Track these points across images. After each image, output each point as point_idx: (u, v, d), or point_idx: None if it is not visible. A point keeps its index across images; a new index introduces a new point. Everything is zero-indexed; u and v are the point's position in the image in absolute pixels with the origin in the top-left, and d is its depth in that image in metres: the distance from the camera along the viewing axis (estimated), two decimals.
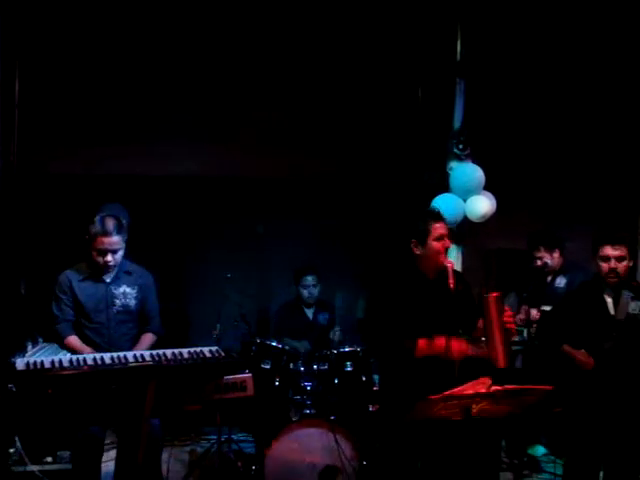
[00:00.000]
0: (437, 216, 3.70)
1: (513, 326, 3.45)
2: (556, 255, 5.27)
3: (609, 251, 3.88)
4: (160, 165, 6.25)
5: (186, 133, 6.23)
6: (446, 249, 3.64)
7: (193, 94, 6.19)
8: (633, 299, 3.89)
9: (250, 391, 3.59)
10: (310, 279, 5.56)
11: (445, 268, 3.50)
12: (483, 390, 2.80)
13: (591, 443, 3.94)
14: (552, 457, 5.24)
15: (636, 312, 3.86)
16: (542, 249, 5.23)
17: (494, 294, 3.40)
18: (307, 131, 6.43)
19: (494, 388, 2.82)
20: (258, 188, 6.48)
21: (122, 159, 6.10)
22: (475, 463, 4.31)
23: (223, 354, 3.50)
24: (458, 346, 3.51)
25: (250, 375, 3.62)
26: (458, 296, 3.54)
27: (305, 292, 5.59)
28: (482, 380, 2.85)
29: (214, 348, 3.54)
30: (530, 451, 5.42)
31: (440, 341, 3.47)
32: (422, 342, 3.53)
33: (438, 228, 3.62)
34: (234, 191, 6.48)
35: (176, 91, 6.13)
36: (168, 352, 3.47)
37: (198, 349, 3.51)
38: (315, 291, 5.58)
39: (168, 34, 5.85)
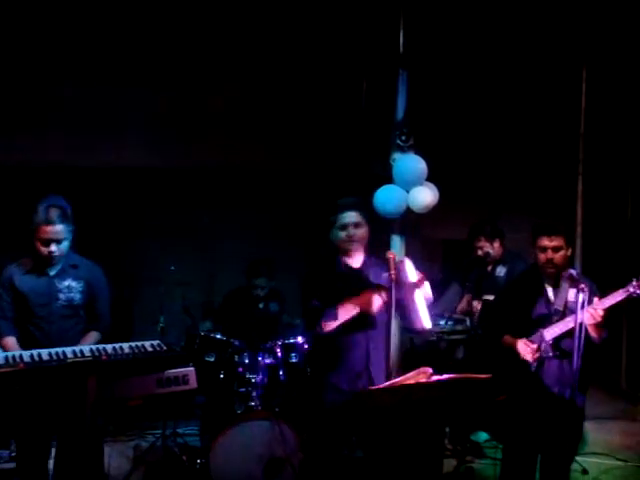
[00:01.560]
0: (342, 207, 3.75)
1: (428, 291, 3.61)
2: (496, 245, 5.36)
3: (546, 242, 3.95)
4: (102, 157, 6.15)
5: (128, 124, 6.13)
6: (350, 238, 3.69)
7: (133, 84, 6.09)
8: (571, 287, 3.95)
9: (193, 384, 3.55)
10: (260, 281, 5.50)
11: (388, 259, 3.53)
12: (424, 380, 2.83)
13: (529, 429, 4.01)
14: (494, 443, 5.34)
15: (573, 300, 3.93)
16: (482, 239, 5.32)
17: (407, 261, 3.59)
18: (254, 122, 6.39)
19: (435, 378, 2.84)
20: (203, 178, 6.42)
21: (62, 150, 5.97)
22: (418, 450, 4.38)
23: (165, 348, 3.46)
24: (371, 295, 3.57)
25: (192, 369, 3.57)
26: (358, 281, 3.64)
27: (255, 292, 5.55)
28: (423, 370, 2.88)
29: (156, 342, 3.49)
30: (473, 437, 5.52)
31: (347, 304, 3.57)
32: (341, 308, 3.60)
33: (341, 218, 3.70)
34: (178, 182, 6.42)
35: (114, 81, 6.01)
36: (108, 347, 3.40)
37: (139, 343, 3.45)
38: (265, 291, 5.54)
39: (100, 19, 5.72)
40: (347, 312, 3.59)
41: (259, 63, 6.20)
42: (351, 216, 3.71)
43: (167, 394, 3.55)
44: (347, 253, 3.77)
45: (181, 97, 6.25)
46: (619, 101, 6.84)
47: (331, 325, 3.60)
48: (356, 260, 3.79)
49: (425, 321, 3.58)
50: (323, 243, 3.81)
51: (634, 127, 6.97)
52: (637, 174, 7.29)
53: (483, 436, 5.57)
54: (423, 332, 3.77)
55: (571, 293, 3.98)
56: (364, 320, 3.65)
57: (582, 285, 3.72)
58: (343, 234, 3.71)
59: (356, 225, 3.71)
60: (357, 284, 3.67)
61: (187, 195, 6.45)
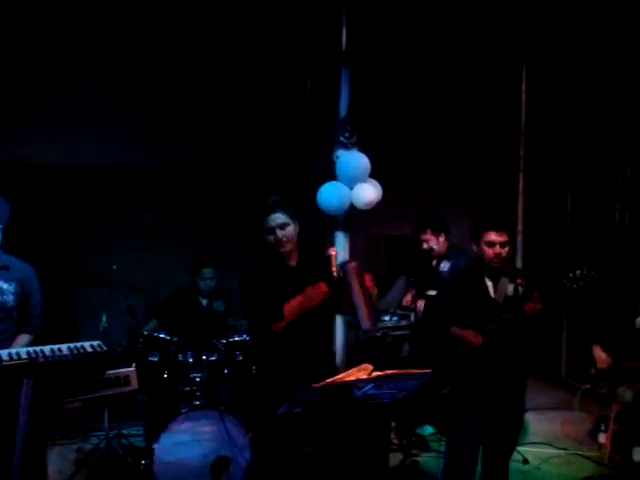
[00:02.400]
0: (268, 208, 3.71)
1: (374, 289, 3.68)
2: (442, 239, 5.40)
3: (494, 237, 4.01)
4: (45, 153, 6.01)
5: (74, 120, 6.02)
6: (278, 241, 3.67)
7: (77, 81, 5.96)
8: (510, 282, 4.04)
9: (134, 385, 3.50)
10: (208, 271, 5.46)
11: (329, 256, 3.56)
12: (365, 376, 2.84)
13: (473, 422, 4.08)
14: (439, 436, 5.42)
15: (512, 294, 4.02)
16: (429, 232, 5.32)
17: (353, 263, 3.64)
18: (199, 120, 6.34)
19: (375, 374, 2.86)
20: (147, 177, 6.35)
21: (2, 146, 5.82)
22: (364, 445, 4.42)
23: (105, 348, 3.39)
24: (314, 290, 3.61)
25: (134, 369, 3.52)
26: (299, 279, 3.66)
27: (202, 283, 5.50)
28: (364, 366, 2.89)
29: (96, 342, 3.42)
30: (419, 431, 5.59)
31: (293, 301, 3.61)
32: (287, 306, 3.62)
33: (267, 221, 3.67)
34: (123, 181, 6.33)
35: (59, 78, 5.89)
36: (46, 348, 3.31)
37: (79, 344, 3.38)
38: (213, 283, 5.50)
39: (53, 10, 5.59)
40: (293, 309, 3.61)
41: (204, 61, 6.15)
42: (276, 218, 3.66)
43: (108, 395, 3.51)
44: (281, 254, 3.75)
45: (130, 95, 6.16)
46: (558, 99, 7.01)
47: (279, 324, 3.62)
48: (291, 258, 3.78)
49: (364, 322, 3.60)
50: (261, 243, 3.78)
51: (573, 124, 7.15)
52: (576, 171, 7.48)
53: (429, 429, 5.65)
54: (366, 330, 3.78)
55: (510, 288, 4.07)
56: (309, 317, 3.66)
57: (519, 280, 3.82)
58: (271, 237, 3.67)
59: (282, 226, 3.66)
60: (295, 282, 3.67)
61: (131, 194, 6.37)
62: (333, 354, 4.34)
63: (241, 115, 6.35)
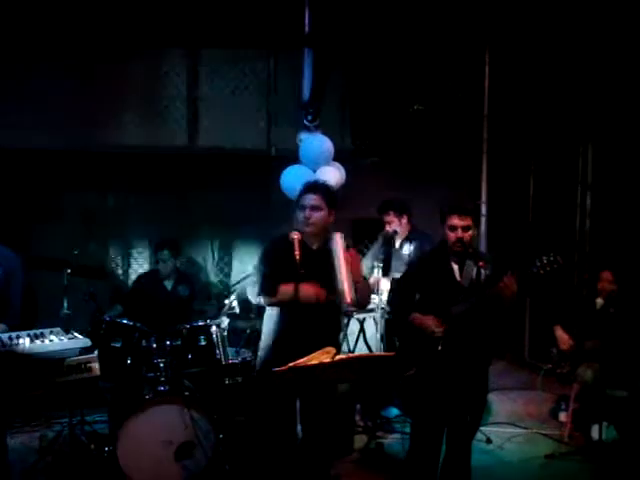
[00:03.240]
0: (305, 187, 3.94)
1: (357, 264, 3.83)
2: (404, 221, 5.44)
3: (456, 221, 4.04)
4: (2, 138, 5.88)
5: (31, 103, 5.88)
6: (306, 219, 3.82)
7: (36, 62, 5.83)
8: (475, 266, 4.06)
9: (95, 372, 3.48)
10: (162, 254, 5.45)
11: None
12: (328, 360, 2.85)
13: (437, 404, 4.11)
14: (404, 418, 5.46)
15: (476, 278, 4.04)
16: (392, 213, 5.38)
17: (338, 233, 3.74)
18: (160, 103, 6.25)
19: (338, 357, 2.87)
20: (110, 162, 6.25)
21: None
22: (329, 428, 4.43)
23: (65, 335, 3.36)
24: (308, 289, 3.71)
25: (95, 355, 3.50)
26: (315, 262, 3.74)
27: (159, 266, 5.49)
28: (327, 350, 2.89)
29: (56, 329, 3.40)
30: (384, 413, 5.63)
31: (288, 286, 3.71)
32: (283, 286, 3.75)
33: (301, 199, 3.88)
34: (84, 165, 6.22)
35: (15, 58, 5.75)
36: (4, 336, 3.28)
37: (38, 331, 3.36)
38: (169, 265, 5.47)
39: None
40: (285, 294, 3.73)
41: (167, 44, 6.05)
42: (311, 199, 3.86)
43: (69, 382, 3.47)
44: (306, 232, 3.86)
45: (86, 78, 6.04)
46: (521, 82, 7.04)
47: (272, 299, 3.80)
48: (315, 241, 3.91)
49: (347, 297, 3.67)
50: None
51: (536, 107, 7.20)
52: (539, 154, 7.55)
53: (394, 412, 5.69)
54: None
55: (475, 270, 4.09)
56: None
57: (481, 263, 3.85)
58: (301, 214, 3.85)
59: (313, 208, 3.84)
60: (309, 264, 3.74)
61: (94, 178, 6.26)
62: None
63: (207, 99, 6.28)
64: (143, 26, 5.86)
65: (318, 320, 3.78)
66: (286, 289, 3.75)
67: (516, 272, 3.93)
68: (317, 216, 3.85)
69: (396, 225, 5.41)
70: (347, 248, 3.78)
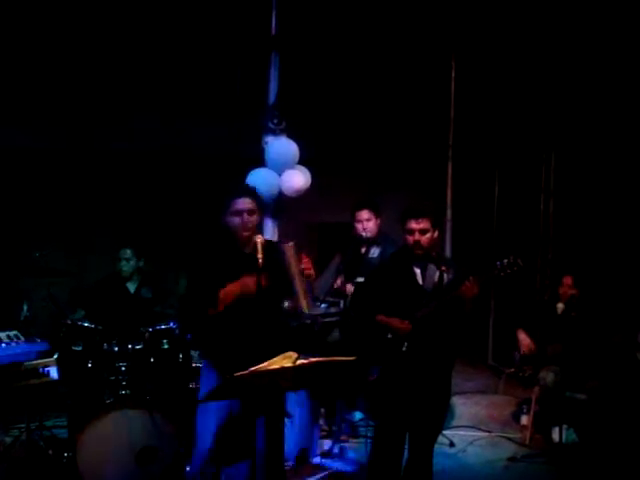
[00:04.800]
0: (240, 192, 3.78)
1: (311, 272, 3.67)
2: (378, 222, 5.37)
3: (413, 224, 4.04)
4: None
5: None
6: (245, 224, 3.70)
7: None
8: (437, 270, 4.07)
9: (54, 376, 3.42)
10: (124, 252, 5.35)
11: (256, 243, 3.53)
12: (289, 364, 2.83)
13: (399, 407, 4.12)
14: (368, 421, 5.47)
15: (438, 282, 4.05)
16: (368, 211, 5.31)
17: (290, 243, 3.63)
18: (126, 104, 6.19)
19: (300, 362, 2.85)
20: (72, 162, 6.17)
21: None
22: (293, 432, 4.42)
23: (22, 339, 3.30)
24: (250, 279, 3.59)
25: (54, 359, 3.44)
26: (269, 269, 3.58)
27: (120, 265, 5.39)
28: (288, 354, 2.88)
29: (12, 332, 3.33)
30: (348, 417, 5.63)
31: (245, 279, 3.59)
32: (221, 292, 3.63)
33: (237, 203, 3.71)
34: (45, 165, 6.12)
35: None
36: None
37: None
38: (130, 265, 5.38)
39: None
40: (227, 295, 3.61)
41: (133, 42, 5.99)
42: (246, 202, 3.73)
43: (27, 386, 3.41)
44: (241, 238, 3.76)
45: (50, 77, 5.95)
46: (486, 88, 7.12)
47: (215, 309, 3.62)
48: (248, 246, 3.78)
49: (303, 305, 3.65)
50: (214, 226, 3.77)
51: (501, 113, 7.29)
52: (503, 160, 7.64)
53: (358, 415, 5.69)
54: (301, 315, 3.79)
55: (437, 274, 4.11)
56: (245, 305, 3.64)
57: (443, 267, 3.87)
58: (237, 220, 3.71)
59: (250, 212, 3.72)
60: (247, 269, 3.64)
61: (55, 179, 6.17)
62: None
63: (171, 99, 6.23)
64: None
65: (265, 323, 3.71)
66: (228, 290, 3.63)
67: (478, 275, 3.95)
68: (253, 220, 3.75)
69: (372, 224, 5.31)
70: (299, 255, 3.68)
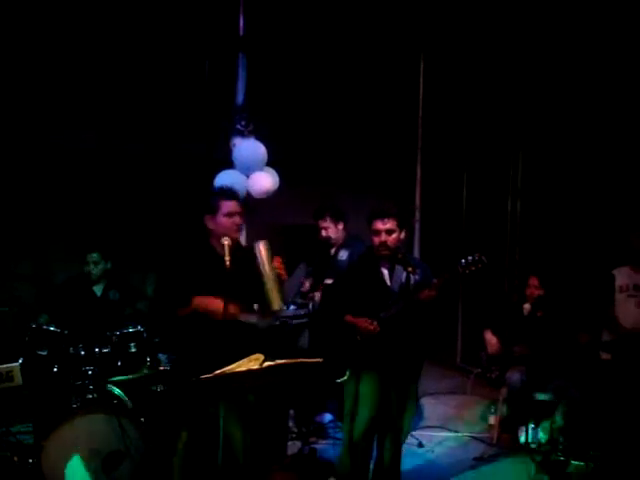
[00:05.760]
0: (230, 194, 3.83)
1: (283, 272, 3.70)
2: (340, 227, 5.43)
3: (379, 225, 4.07)
4: None
5: None
6: (237, 226, 3.76)
7: None
8: (404, 271, 4.09)
9: (17, 381, 3.37)
10: (94, 256, 5.29)
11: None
12: (255, 367, 2.83)
13: (367, 408, 4.14)
14: (338, 423, 5.48)
15: (405, 282, 4.07)
16: (328, 219, 5.35)
17: (262, 241, 3.67)
18: (90, 104, 6.12)
19: (266, 364, 2.85)
20: (38, 161, 6.07)
21: None
22: (262, 435, 4.41)
23: None
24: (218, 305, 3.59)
25: (17, 364, 3.39)
26: (240, 271, 3.62)
27: (88, 270, 5.33)
28: (255, 356, 2.87)
29: None
30: (317, 419, 5.63)
31: (216, 301, 3.59)
32: (198, 298, 3.66)
33: (230, 206, 3.77)
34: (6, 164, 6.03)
35: None
36: None
37: None
38: (98, 269, 5.33)
39: None
40: (201, 306, 3.63)
41: (99, 42, 5.92)
42: (237, 205, 3.80)
43: None
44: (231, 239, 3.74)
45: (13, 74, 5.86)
46: (454, 90, 7.18)
47: (185, 310, 3.64)
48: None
49: (274, 302, 3.64)
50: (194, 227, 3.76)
51: (469, 115, 7.35)
52: (472, 161, 7.70)
53: (327, 417, 5.70)
54: (276, 311, 3.78)
55: (404, 275, 4.13)
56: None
57: (410, 268, 3.90)
58: (230, 221, 3.76)
59: (241, 215, 3.80)
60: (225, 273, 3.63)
61: (20, 182, 6.08)
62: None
63: (139, 98, 6.17)
64: None
65: (236, 327, 3.72)
66: (203, 302, 3.66)
67: (444, 276, 3.99)
68: (242, 222, 3.83)
69: (332, 231, 5.38)
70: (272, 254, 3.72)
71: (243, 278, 3.68)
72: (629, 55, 5.77)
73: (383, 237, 4.06)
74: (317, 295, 5.18)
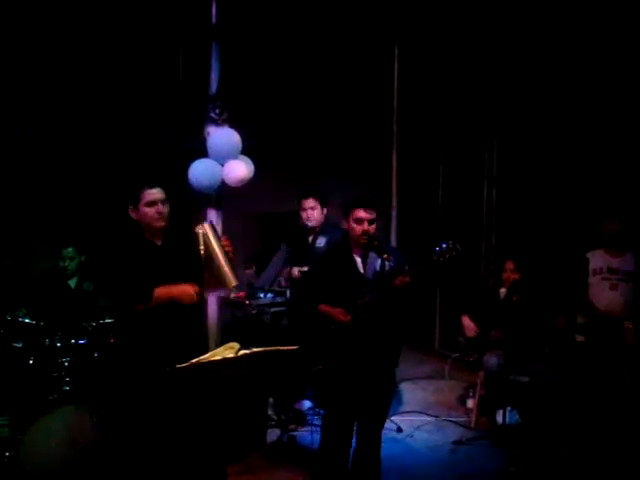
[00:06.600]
0: (150, 182, 3.68)
1: (230, 249, 3.64)
2: (324, 212, 5.35)
3: (362, 214, 4.07)
4: None
5: None
6: (161, 215, 3.64)
7: None
8: (378, 257, 4.10)
9: None
10: (69, 251, 5.25)
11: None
12: (231, 355, 2.83)
13: (346, 395, 4.16)
14: (317, 410, 5.50)
15: (379, 269, 4.08)
16: (314, 200, 5.27)
17: (206, 223, 3.60)
18: (62, 93, 6.04)
19: (242, 352, 2.85)
20: (12, 154, 6.00)
21: None
22: (239, 423, 4.42)
23: None
24: (186, 289, 3.59)
25: None
26: (188, 258, 3.62)
27: (63, 265, 5.28)
28: (230, 345, 2.87)
29: None
30: (296, 406, 5.65)
31: (178, 286, 3.57)
32: (158, 289, 3.58)
33: (150, 194, 3.63)
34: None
35: None
36: None
37: None
38: (74, 263, 5.28)
39: None
40: (161, 297, 3.56)
41: (68, 28, 5.84)
42: (158, 192, 3.64)
43: None
44: (153, 229, 3.69)
45: None
46: (429, 77, 7.19)
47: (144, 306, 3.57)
48: (157, 237, 3.72)
49: (229, 281, 3.59)
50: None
51: (443, 102, 7.37)
52: (447, 148, 7.74)
53: (307, 404, 5.71)
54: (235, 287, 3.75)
55: (378, 263, 4.14)
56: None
57: (385, 255, 3.91)
58: (151, 210, 3.63)
59: (163, 202, 3.65)
60: (161, 262, 3.62)
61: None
62: (205, 333, 4.28)
63: (111, 91, 6.11)
64: None
65: (187, 318, 3.69)
66: (162, 292, 3.58)
67: (418, 263, 4.01)
68: (166, 210, 3.67)
69: (317, 213, 5.30)
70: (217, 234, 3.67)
71: (190, 262, 3.65)
72: (599, 43, 5.81)
73: (365, 226, 4.07)
74: (294, 272, 5.16)
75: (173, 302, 3.58)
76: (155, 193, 3.63)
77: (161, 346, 3.59)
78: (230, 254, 3.63)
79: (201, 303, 3.86)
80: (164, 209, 3.64)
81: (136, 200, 3.64)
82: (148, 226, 3.67)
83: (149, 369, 3.51)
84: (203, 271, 3.53)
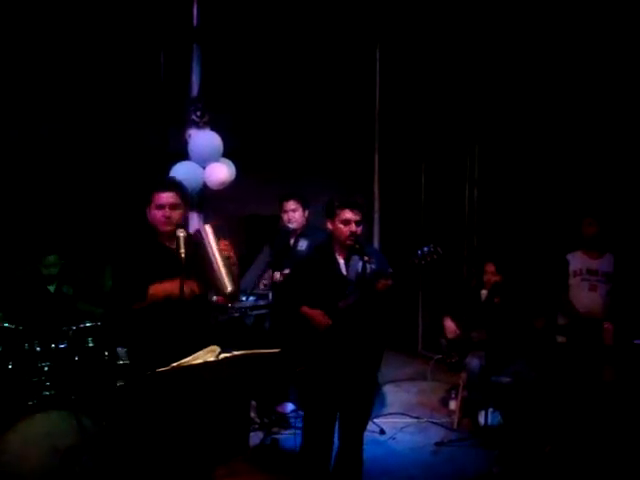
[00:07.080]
0: (162, 186, 3.74)
1: (232, 253, 3.64)
2: (305, 214, 5.36)
3: (349, 215, 4.08)
4: None
5: None
6: (166, 219, 3.67)
7: None
8: (360, 259, 4.11)
9: None
10: (50, 260, 5.19)
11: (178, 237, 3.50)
12: (212, 358, 2.81)
13: (327, 396, 4.16)
14: (300, 412, 5.49)
15: (361, 271, 4.09)
16: (295, 202, 5.27)
17: (207, 225, 3.63)
18: (46, 94, 5.99)
19: (223, 355, 2.84)
20: None
21: None
22: (221, 427, 4.40)
23: None
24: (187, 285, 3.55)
25: None
26: (192, 263, 3.56)
27: (46, 271, 5.23)
28: (211, 348, 2.86)
29: None
30: (279, 409, 5.64)
31: (171, 282, 3.53)
32: (152, 287, 3.59)
33: (160, 197, 3.68)
34: None
35: None
36: None
37: None
38: (56, 270, 5.22)
39: None
40: (158, 293, 3.57)
41: (52, 33, 5.80)
42: (169, 196, 3.68)
43: None
44: (162, 232, 3.72)
45: None
46: (411, 80, 7.21)
47: (141, 304, 3.58)
48: (170, 240, 3.72)
49: (226, 286, 3.56)
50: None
51: (426, 105, 7.39)
52: (429, 151, 7.77)
53: (289, 407, 5.71)
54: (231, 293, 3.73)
55: (360, 264, 4.15)
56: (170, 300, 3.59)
57: (366, 257, 3.92)
58: (159, 213, 3.68)
59: (173, 206, 3.68)
60: (171, 263, 3.58)
61: None
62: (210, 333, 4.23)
63: (92, 94, 6.07)
64: None
65: (190, 317, 3.67)
66: (159, 288, 3.60)
67: (396, 268, 4.03)
68: (176, 214, 3.70)
69: (298, 215, 5.29)
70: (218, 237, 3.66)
71: (196, 267, 3.64)
72: (577, 49, 5.86)
73: (353, 227, 4.09)
74: (276, 275, 5.16)
75: (173, 302, 3.55)
76: (164, 197, 3.68)
77: (161, 346, 3.57)
78: (232, 259, 3.63)
79: (204, 303, 3.85)
80: (172, 214, 3.67)
81: (149, 202, 3.71)
82: (157, 228, 3.71)
83: (149, 369, 3.48)
84: (187, 275, 3.50)
